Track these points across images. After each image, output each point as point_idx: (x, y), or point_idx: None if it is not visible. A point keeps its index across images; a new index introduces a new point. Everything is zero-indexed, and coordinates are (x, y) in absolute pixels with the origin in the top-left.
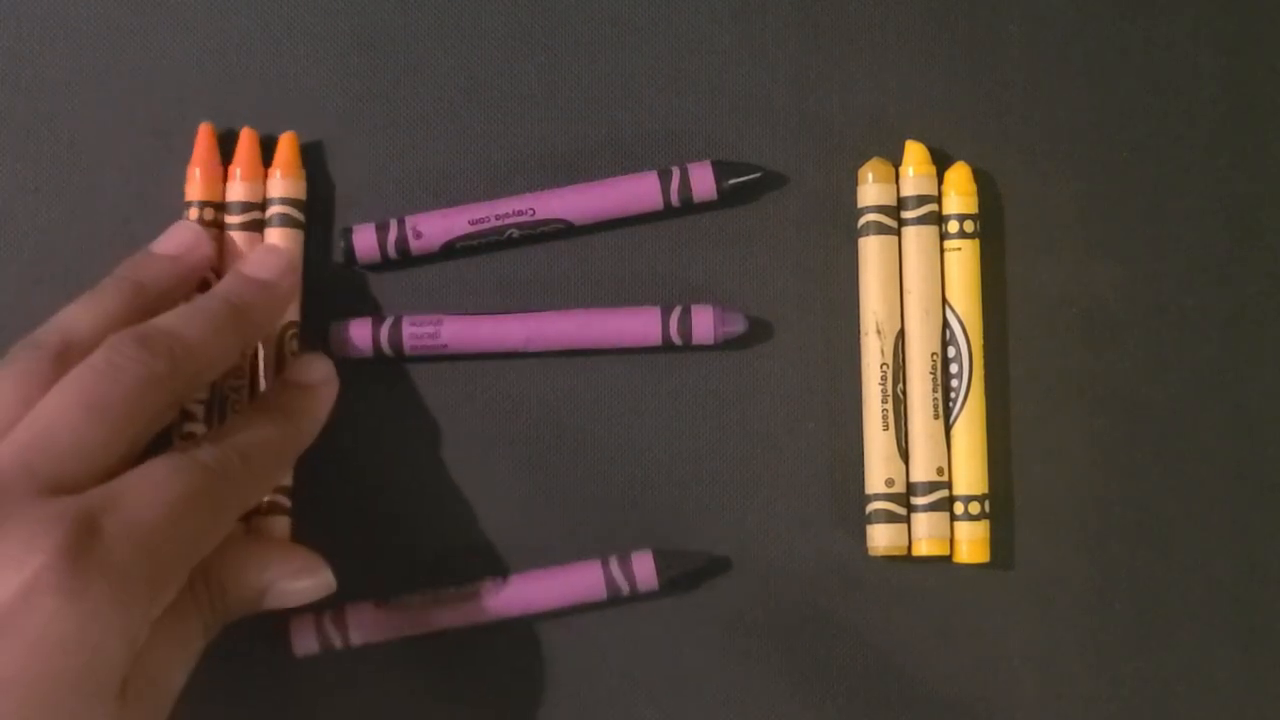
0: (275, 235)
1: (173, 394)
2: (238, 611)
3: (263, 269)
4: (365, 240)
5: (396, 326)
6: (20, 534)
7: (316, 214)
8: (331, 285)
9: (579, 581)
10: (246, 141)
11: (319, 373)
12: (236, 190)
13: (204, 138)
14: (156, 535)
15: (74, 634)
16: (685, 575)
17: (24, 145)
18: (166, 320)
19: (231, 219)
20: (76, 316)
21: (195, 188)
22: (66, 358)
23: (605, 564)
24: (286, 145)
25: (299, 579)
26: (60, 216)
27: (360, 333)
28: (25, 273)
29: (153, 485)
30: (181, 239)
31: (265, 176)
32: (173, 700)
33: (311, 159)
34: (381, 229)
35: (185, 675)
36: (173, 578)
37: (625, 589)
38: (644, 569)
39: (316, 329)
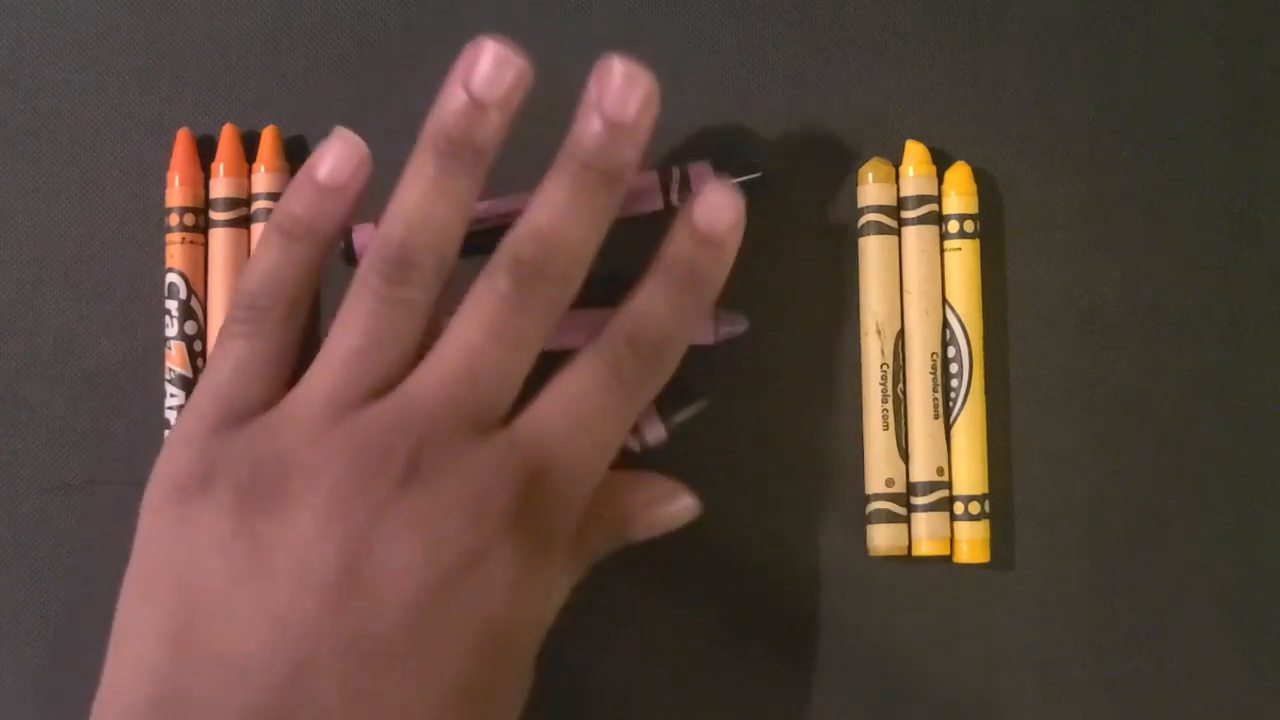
0: (261, 231)
1: (566, 304)
2: (603, 547)
3: (718, 221)
4: (365, 239)
5: None
6: (473, 486)
7: None
8: (331, 285)
9: None
10: (228, 138)
11: (730, 216)
12: (220, 187)
13: (182, 143)
14: (590, 478)
15: (519, 577)
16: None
17: (24, 145)
18: (555, 225)
19: (216, 216)
20: (414, 214)
21: (174, 194)
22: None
23: None
24: (268, 140)
25: (663, 505)
26: (60, 216)
27: None
28: (25, 273)
29: (581, 422)
30: (343, 162)
31: (249, 173)
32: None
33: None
34: None
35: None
36: (587, 500)
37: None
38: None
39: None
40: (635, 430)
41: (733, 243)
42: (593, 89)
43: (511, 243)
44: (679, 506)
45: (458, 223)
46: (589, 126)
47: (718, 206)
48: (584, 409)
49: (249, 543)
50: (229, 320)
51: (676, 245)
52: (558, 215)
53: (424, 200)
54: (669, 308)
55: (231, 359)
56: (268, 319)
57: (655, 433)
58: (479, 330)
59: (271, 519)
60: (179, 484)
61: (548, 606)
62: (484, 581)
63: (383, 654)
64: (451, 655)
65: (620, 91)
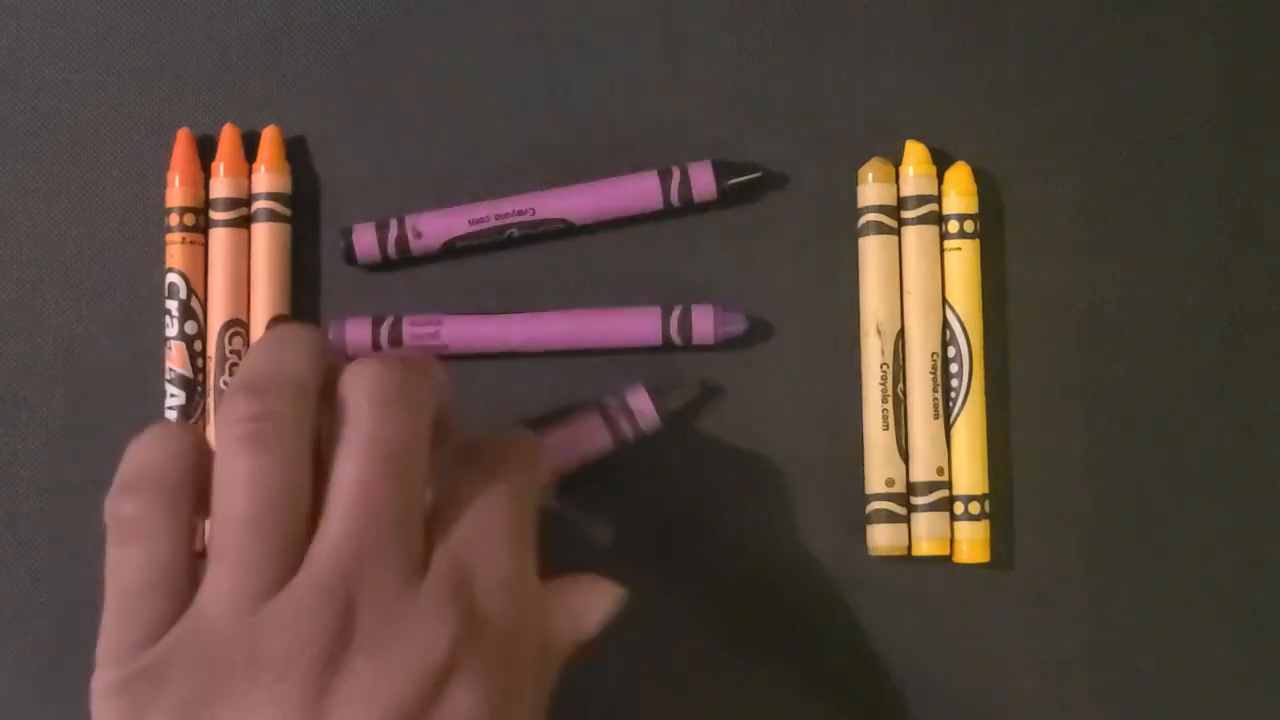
0: (261, 230)
1: (435, 409)
2: (565, 654)
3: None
4: (365, 240)
5: (396, 326)
6: (412, 644)
7: (316, 213)
8: (330, 284)
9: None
10: (228, 138)
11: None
12: (220, 187)
13: (182, 143)
14: (517, 574)
15: (492, 709)
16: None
17: (24, 145)
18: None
19: (217, 216)
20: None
21: (174, 194)
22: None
23: (604, 410)
24: (269, 140)
25: (600, 602)
26: (60, 216)
27: (359, 333)
28: (25, 273)
29: (483, 517)
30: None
31: (249, 173)
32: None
33: (311, 158)
34: (381, 228)
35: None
36: (536, 606)
37: (629, 434)
38: (641, 402)
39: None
40: (631, 419)
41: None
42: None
43: (365, 363)
44: (612, 598)
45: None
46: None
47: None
48: (486, 505)
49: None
50: (113, 523)
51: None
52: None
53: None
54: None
55: (132, 569)
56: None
57: (649, 420)
58: (366, 464)
59: (218, 711)
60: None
61: (537, 702)
62: (454, 710)
63: None
64: None
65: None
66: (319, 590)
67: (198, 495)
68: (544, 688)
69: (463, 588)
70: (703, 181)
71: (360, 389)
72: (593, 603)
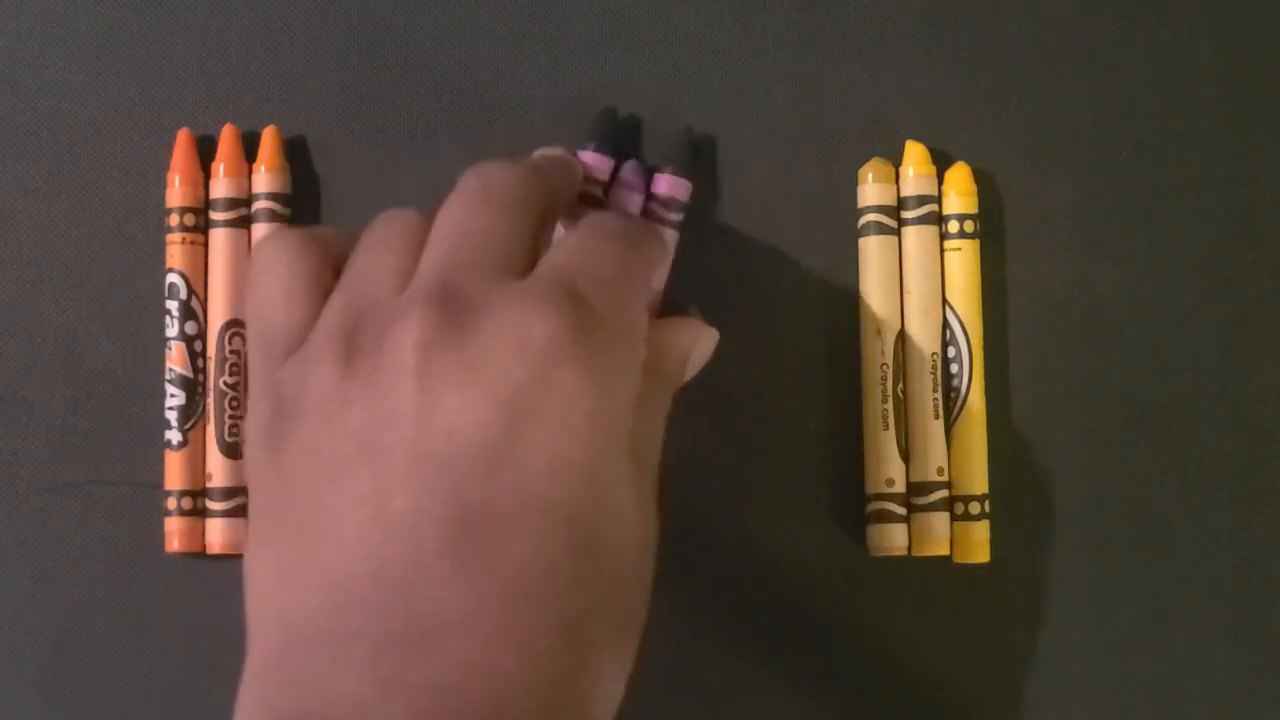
0: (261, 230)
1: (548, 197)
2: (676, 379)
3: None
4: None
5: None
6: (509, 318)
7: (316, 213)
8: None
9: None
10: (228, 138)
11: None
12: (220, 187)
13: (182, 143)
14: (622, 283)
15: (596, 401)
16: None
17: (24, 145)
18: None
19: (216, 216)
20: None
21: (174, 194)
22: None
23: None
24: (269, 140)
25: (703, 341)
26: (60, 216)
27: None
28: (25, 273)
29: (590, 242)
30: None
31: (249, 172)
32: (658, 457)
33: (311, 158)
34: None
35: (660, 436)
36: (642, 321)
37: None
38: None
39: None
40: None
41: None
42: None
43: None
44: (710, 339)
45: None
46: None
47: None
48: (590, 231)
49: (320, 469)
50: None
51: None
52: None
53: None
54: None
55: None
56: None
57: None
58: (462, 200)
59: (329, 433)
60: (260, 423)
61: (650, 419)
62: (562, 408)
63: (479, 527)
64: (551, 502)
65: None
66: (413, 294)
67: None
68: (655, 414)
69: (567, 281)
70: (677, 189)
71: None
72: (693, 337)
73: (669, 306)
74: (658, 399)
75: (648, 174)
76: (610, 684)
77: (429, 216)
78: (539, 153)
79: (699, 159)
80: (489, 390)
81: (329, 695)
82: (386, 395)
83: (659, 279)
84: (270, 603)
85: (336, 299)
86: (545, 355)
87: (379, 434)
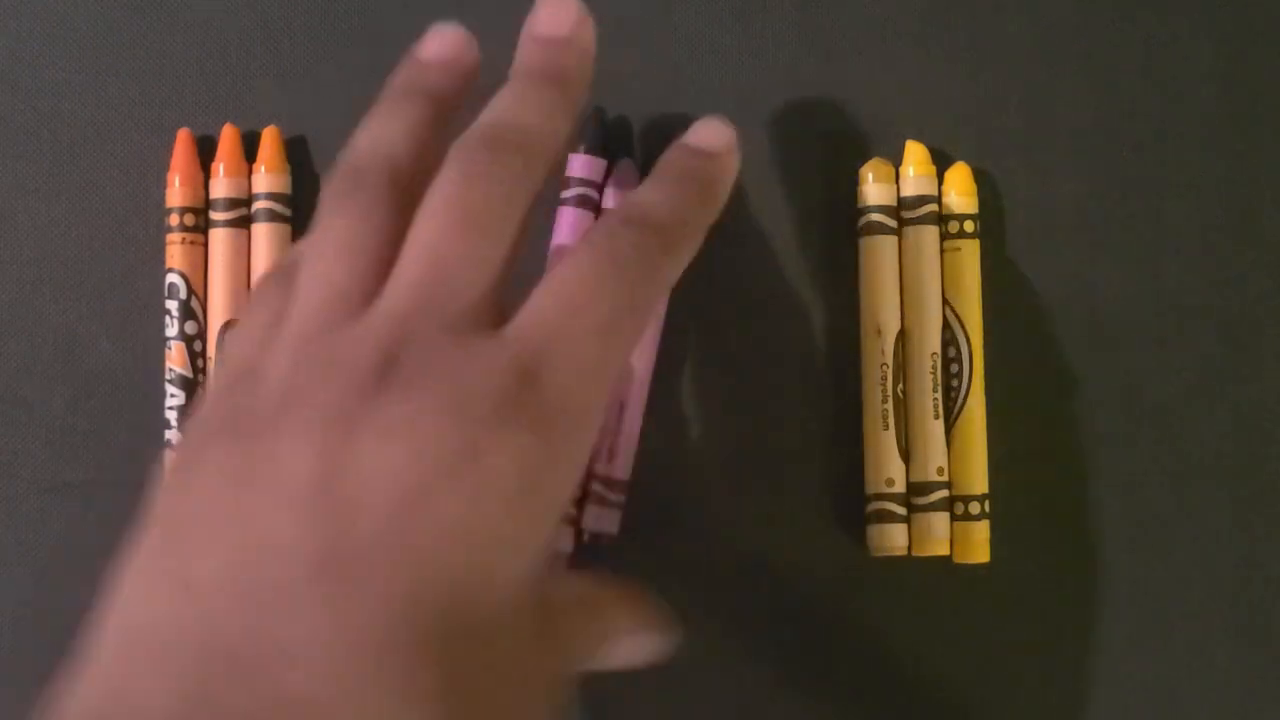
0: (261, 231)
1: (534, 186)
2: (580, 655)
3: (554, 26)
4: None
5: None
6: (457, 381)
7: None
8: None
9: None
10: (228, 138)
11: (721, 139)
12: (220, 187)
13: (182, 143)
14: (597, 370)
15: (519, 492)
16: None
17: (24, 145)
18: (499, 112)
19: (216, 216)
20: (384, 138)
21: (174, 194)
22: (400, 181)
23: None
24: (269, 140)
25: (642, 633)
26: (60, 216)
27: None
28: (25, 273)
29: (576, 306)
30: (448, 43)
31: (249, 172)
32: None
33: (311, 158)
34: None
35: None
36: (598, 417)
37: None
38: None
39: None
40: (579, 517)
41: (730, 161)
42: (525, 24)
43: (460, 139)
44: (657, 641)
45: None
46: (523, 47)
47: (711, 132)
48: (578, 293)
49: (228, 474)
50: (326, 197)
51: (672, 157)
52: (503, 109)
53: (377, 128)
54: (667, 195)
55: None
56: (365, 185)
57: (604, 520)
58: (438, 225)
59: (248, 444)
60: (183, 450)
61: (553, 507)
62: (481, 485)
63: (357, 563)
64: (437, 564)
65: (550, 14)
66: (365, 331)
67: None
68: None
69: (530, 357)
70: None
71: (453, 156)
72: (623, 628)
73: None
74: (539, 671)
75: (640, 175)
76: None
77: (397, 189)
78: (532, 75)
79: None
80: (414, 448)
81: (133, 705)
82: (312, 428)
83: (635, 355)
84: (121, 604)
85: (300, 305)
86: (482, 429)
87: (291, 459)
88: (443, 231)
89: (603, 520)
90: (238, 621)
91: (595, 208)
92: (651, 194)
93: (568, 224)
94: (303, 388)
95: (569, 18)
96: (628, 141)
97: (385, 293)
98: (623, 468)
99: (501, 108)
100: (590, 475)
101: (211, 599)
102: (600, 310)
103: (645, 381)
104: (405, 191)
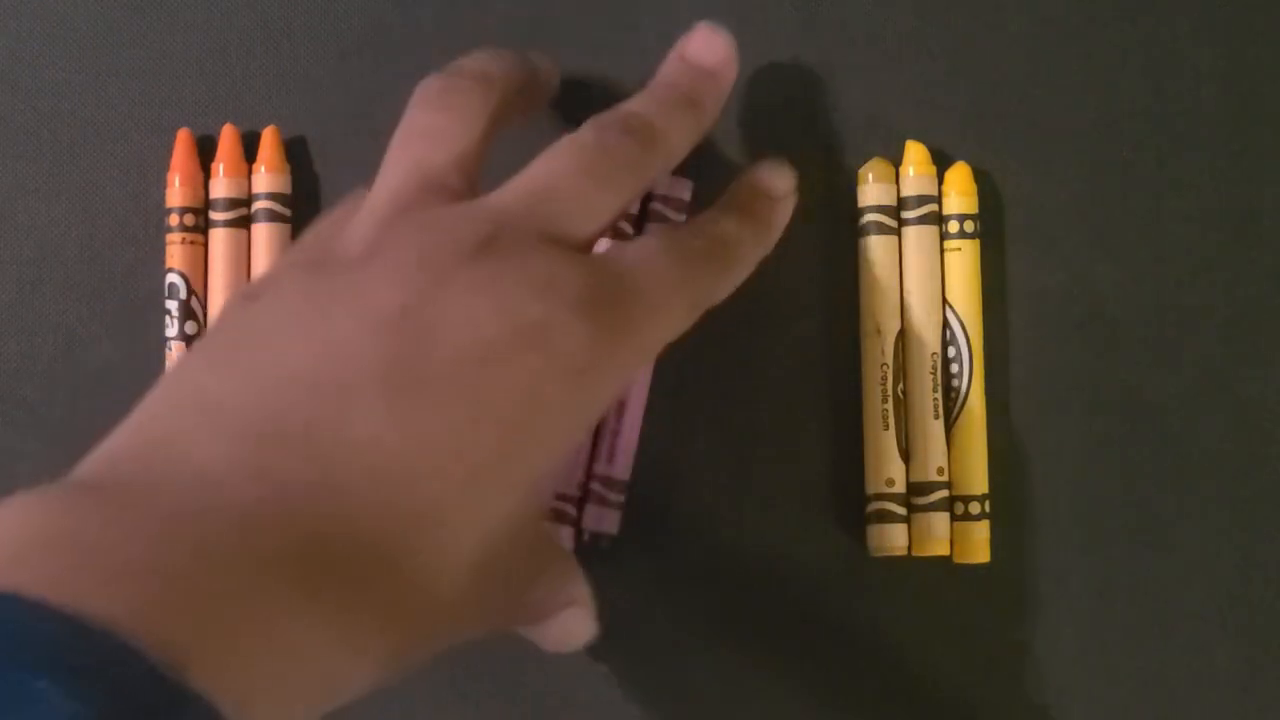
0: (261, 230)
1: (646, 178)
2: (501, 619)
3: (707, 54)
4: None
5: None
6: (550, 268)
7: (316, 213)
8: None
9: None
10: (228, 138)
11: (784, 184)
12: (220, 187)
13: (182, 143)
14: (657, 306)
15: (587, 371)
16: None
17: (24, 145)
18: (637, 107)
19: (216, 216)
20: (482, 60)
21: (174, 194)
22: (493, 96)
23: None
24: (269, 140)
25: (568, 612)
26: (60, 216)
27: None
28: (25, 273)
29: (649, 258)
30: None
31: (250, 172)
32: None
33: (311, 158)
34: None
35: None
36: (651, 355)
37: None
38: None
39: None
40: (580, 517)
41: (727, 73)
42: (678, 45)
43: (595, 117)
44: (584, 626)
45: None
46: (670, 64)
47: (708, 42)
48: (648, 244)
49: (309, 295)
50: (416, 97)
51: (668, 71)
52: (641, 107)
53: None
54: (656, 110)
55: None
56: (459, 88)
57: (604, 520)
58: (561, 162)
59: (335, 279)
60: (255, 284)
61: (595, 410)
62: (550, 358)
63: (426, 385)
64: (495, 413)
65: (703, 41)
66: (467, 210)
67: None
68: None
69: (616, 281)
70: (673, 188)
71: (589, 124)
72: (571, 613)
73: None
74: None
75: None
76: (451, 600)
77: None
78: (679, 88)
79: (698, 158)
80: (499, 306)
81: (191, 457)
82: (405, 271)
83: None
84: (186, 378)
85: (404, 166)
86: (565, 309)
87: (379, 290)
88: (565, 167)
89: (603, 520)
90: (302, 411)
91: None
92: (639, 105)
93: None
94: (399, 242)
95: (720, 51)
96: None
97: (494, 193)
98: (623, 468)
99: (640, 106)
100: (590, 475)
101: (283, 390)
102: (668, 266)
103: (645, 383)
104: (494, 112)
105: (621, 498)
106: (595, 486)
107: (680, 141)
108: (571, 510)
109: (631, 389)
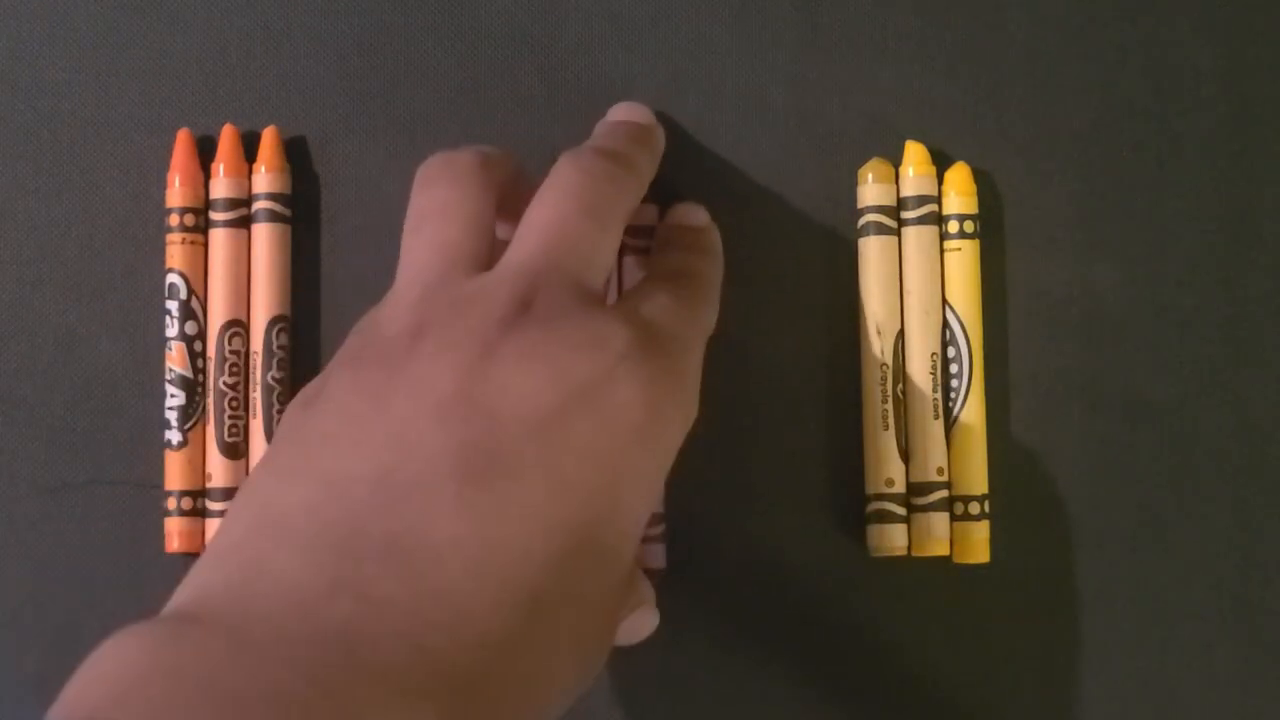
0: (261, 230)
1: (633, 207)
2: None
3: (632, 114)
4: None
5: None
6: (590, 325)
7: (316, 213)
8: (330, 285)
9: None
10: (228, 138)
11: (704, 216)
12: (220, 187)
13: (182, 143)
14: (690, 345)
15: (646, 423)
16: None
17: (24, 145)
18: (604, 140)
19: (216, 216)
20: (474, 147)
21: (174, 194)
22: (491, 169)
23: None
24: (269, 140)
25: (638, 613)
26: (60, 216)
27: None
28: (25, 273)
29: (662, 302)
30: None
31: (249, 172)
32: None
33: (311, 158)
34: None
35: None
36: (695, 392)
37: None
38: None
39: (308, 324)
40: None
41: (656, 129)
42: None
43: (571, 151)
44: (650, 621)
45: None
46: (601, 126)
47: (630, 109)
48: (678, 289)
49: (361, 391)
50: (418, 181)
51: (602, 129)
52: (607, 140)
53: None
54: (637, 150)
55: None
56: (458, 163)
57: (650, 556)
58: (559, 208)
59: (385, 369)
60: (308, 390)
61: (668, 455)
62: (613, 413)
63: (499, 469)
64: (572, 482)
65: (627, 108)
66: (498, 275)
67: None
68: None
69: (647, 320)
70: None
71: (567, 158)
72: (648, 610)
73: None
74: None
75: None
76: (561, 677)
77: (490, 181)
78: (625, 128)
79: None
80: (553, 372)
81: (279, 579)
82: (452, 349)
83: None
84: (255, 496)
85: (422, 247)
86: (616, 363)
87: (431, 374)
88: (564, 213)
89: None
90: (381, 516)
91: None
92: (600, 141)
93: None
94: (438, 321)
95: (643, 114)
96: None
97: (510, 252)
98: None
99: (605, 138)
100: None
101: (354, 494)
102: (694, 287)
103: None
104: (496, 183)
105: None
106: None
107: (647, 171)
108: None
109: None
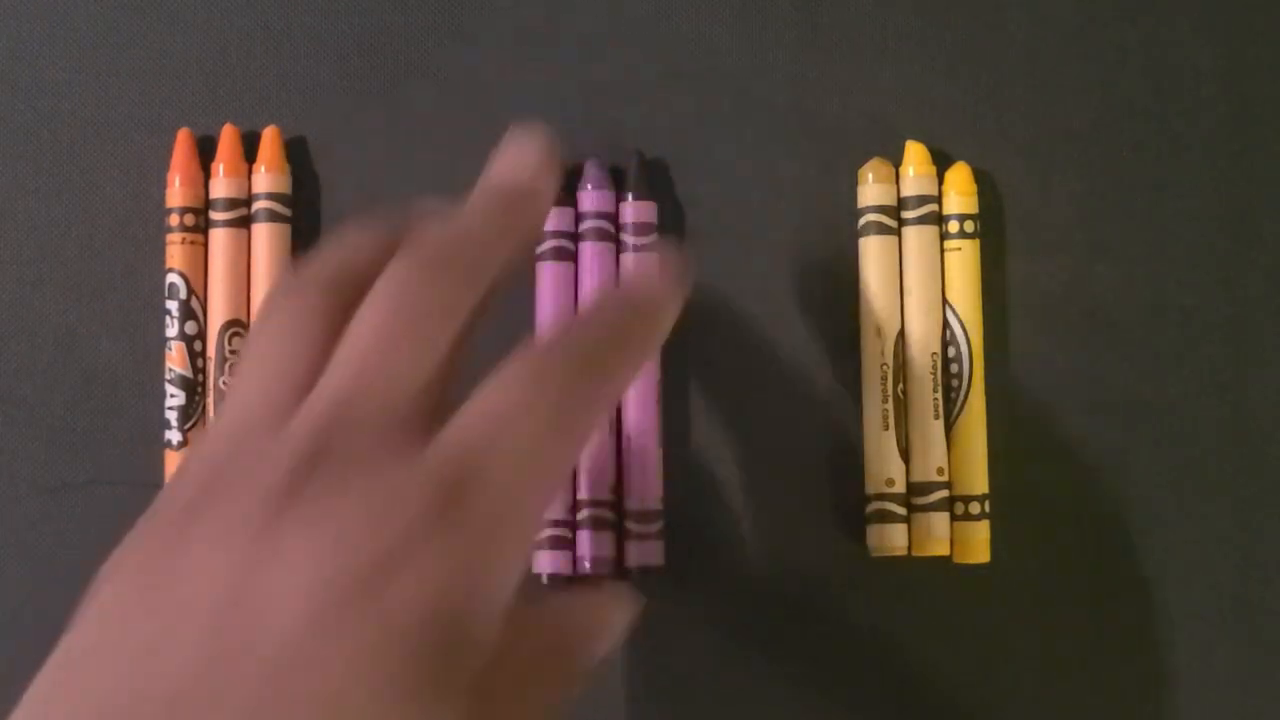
0: (261, 230)
1: (471, 300)
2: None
3: (519, 160)
4: None
5: None
6: (384, 484)
7: (316, 213)
8: None
9: None
10: (228, 138)
11: (654, 292)
12: (220, 187)
13: (182, 143)
14: (528, 488)
15: (443, 596)
16: None
17: (24, 145)
18: (449, 226)
19: (216, 216)
20: (345, 241)
21: (174, 194)
22: (341, 286)
23: None
24: (269, 140)
25: (614, 619)
26: (60, 216)
27: None
28: (25, 273)
29: (504, 422)
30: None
31: (249, 172)
32: None
33: (311, 158)
34: None
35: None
36: (537, 524)
37: None
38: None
39: None
40: (624, 551)
41: (546, 189)
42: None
43: (402, 252)
44: (624, 612)
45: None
46: (488, 176)
47: (518, 155)
48: (504, 408)
49: (141, 586)
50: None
51: (474, 201)
52: (455, 224)
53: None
54: (600, 326)
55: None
56: (296, 290)
57: (647, 553)
58: (365, 338)
59: (158, 556)
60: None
61: (491, 623)
62: (397, 606)
63: (273, 678)
64: (368, 671)
65: (510, 160)
66: (280, 443)
67: None
68: (537, 699)
69: (460, 472)
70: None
71: (390, 269)
72: (600, 619)
73: None
74: (546, 684)
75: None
76: None
77: (341, 281)
78: (494, 199)
79: (654, 181)
80: (326, 559)
81: None
82: (227, 535)
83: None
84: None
85: (219, 425)
86: (402, 542)
87: (202, 570)
88: (369, 344)
89: (647, 554)
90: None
91: (573, 258)
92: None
93: (549, 278)
94: (221, 491)
95: (533, 159)
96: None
97: (322, 381)
98: (654, 497)
99: (465, 215)
100: (624, 513)
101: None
102: (529, 429)
103: (648, 383)
104: (338, 306)
105: (659, 524)
106: (631, 525)
107: (512, 242)
108: (568, 534)
109: (644, 421)
